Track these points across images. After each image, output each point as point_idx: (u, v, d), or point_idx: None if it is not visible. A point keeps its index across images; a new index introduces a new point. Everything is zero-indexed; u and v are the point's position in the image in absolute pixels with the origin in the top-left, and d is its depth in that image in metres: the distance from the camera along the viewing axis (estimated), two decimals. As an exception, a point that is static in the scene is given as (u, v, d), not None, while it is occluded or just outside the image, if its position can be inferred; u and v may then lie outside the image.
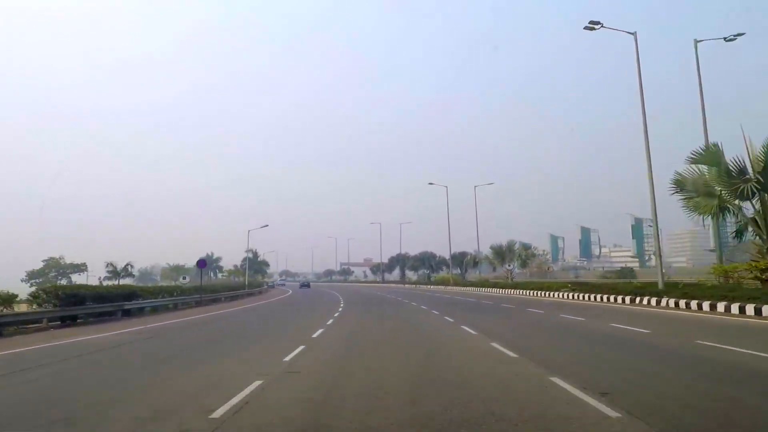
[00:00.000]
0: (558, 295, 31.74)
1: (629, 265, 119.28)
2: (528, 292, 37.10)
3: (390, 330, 15.18)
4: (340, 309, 25.52)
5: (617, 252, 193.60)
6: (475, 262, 64.79)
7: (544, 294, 33.94)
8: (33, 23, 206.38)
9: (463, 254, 67.72)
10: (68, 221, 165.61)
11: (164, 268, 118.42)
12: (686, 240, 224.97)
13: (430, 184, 63.91)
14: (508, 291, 40.89)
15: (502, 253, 48.80)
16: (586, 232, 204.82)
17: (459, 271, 68.48)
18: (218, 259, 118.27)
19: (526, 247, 48.64)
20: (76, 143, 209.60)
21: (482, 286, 49.13)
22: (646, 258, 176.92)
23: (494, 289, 44.53)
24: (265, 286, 78.08)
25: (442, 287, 64.01)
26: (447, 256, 70.49)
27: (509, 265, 45.53)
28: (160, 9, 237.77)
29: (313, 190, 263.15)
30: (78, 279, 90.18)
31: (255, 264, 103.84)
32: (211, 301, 38.55)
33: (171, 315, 24.97)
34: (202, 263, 35.35)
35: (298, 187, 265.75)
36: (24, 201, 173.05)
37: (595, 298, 26.80)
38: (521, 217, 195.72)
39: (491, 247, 50.38)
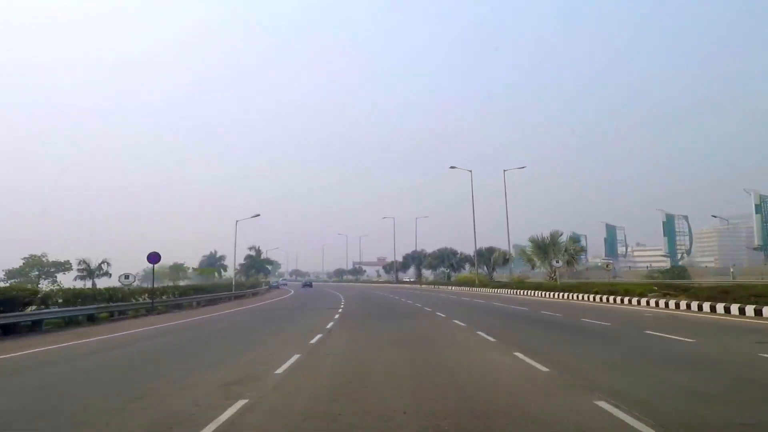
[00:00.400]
0: (647, 302, 22.20)
1: (654, 265, 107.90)
2: (591, 297, 27.55)
3: (410, 379, 6.11)
4: (330, 324, 16.44)
5: (640, 251, 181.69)
6: (506, 259, 54.90)
7: (619, 300, 24.41)
8: (33, 23, 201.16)
9: (491, 250, 57.53)
10: (68, 221, 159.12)
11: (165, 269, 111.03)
12: (713, 239, 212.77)
13: (452, 167, 54.57)
14: (560, 295, 31.29)
15: (545, 247, 39.17)
16: (611, 230, 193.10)
17: (485, 269, 58.69)
18: (222, 258, 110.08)
19: (575, 239, 38.86)
20: (76, 142, 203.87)
21: (518, 288, 39.65)
22: (678, 257, 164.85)
23: (537, 292, 34.95)
24: (264, 287, 69.37)
25: (466, 288, 54.50)
26: (471, 252, 61.14)
27: (557, 262, 35.97)
28: (160, 9, 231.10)
29: (324, 186, 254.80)
30: (63, 278, 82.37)
31: (257, 263, 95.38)
32: (175, 307, 29.78)
33: (89, 331, 16.51)
34: (153, 257, 26.37)
35: (308, 184, 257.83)
36: (21, 199, 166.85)
37: (728, 309, 17.22)
38: (535, 214, 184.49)
39: (531, 240, 40.67)
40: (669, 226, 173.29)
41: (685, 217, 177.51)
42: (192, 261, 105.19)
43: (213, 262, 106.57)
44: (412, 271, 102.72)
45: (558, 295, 31.53)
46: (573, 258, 38.86)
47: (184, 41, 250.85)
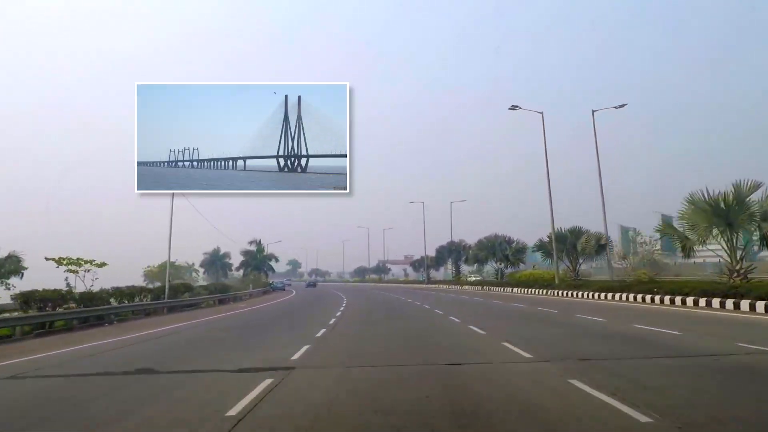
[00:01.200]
0: None
1: (708, 260, 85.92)
2: None
3: None
4: None
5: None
6: (600, 245, 35.62)
7: None
8: (34, 23, 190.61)
9: (576, 232, 37.04)
10: (67, 220, 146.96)
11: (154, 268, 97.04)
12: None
13: (513, 107, 35.90)
14: None
15: (724, 212, 20.14)
16: (668, 221, 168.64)
17: (567, 262, 39.09)
18: (226, 255, 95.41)
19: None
20: (76, 140, 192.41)
21: (669, 295, 21.01)
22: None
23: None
24: (252, 289, 51.79)
25: (538, 293, 35.67)
26: (536, 239, 42.22)
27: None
28: (161, 8, 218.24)
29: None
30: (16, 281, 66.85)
31: (255, 260, 79.02)
32: None
33: None
34: None
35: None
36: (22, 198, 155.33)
37: None
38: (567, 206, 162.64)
39: (690, 201, 21.53)
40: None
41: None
42: (195, 259, 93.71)
43: (215, 260, 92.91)
44: (443, 269, 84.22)
45: None
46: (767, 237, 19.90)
47: (182, 40, 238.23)
